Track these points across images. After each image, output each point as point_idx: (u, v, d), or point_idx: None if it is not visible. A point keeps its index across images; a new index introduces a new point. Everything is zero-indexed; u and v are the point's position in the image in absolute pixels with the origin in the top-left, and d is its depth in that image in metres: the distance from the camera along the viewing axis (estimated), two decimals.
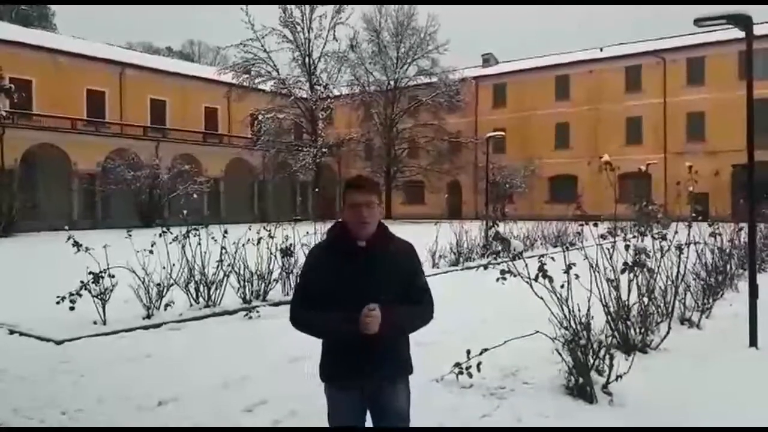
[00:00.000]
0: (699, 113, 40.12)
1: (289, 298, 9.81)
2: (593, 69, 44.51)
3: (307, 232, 10.19)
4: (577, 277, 4.75)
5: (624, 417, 4.29)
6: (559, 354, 4.81)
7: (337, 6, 42.18)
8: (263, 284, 9.27)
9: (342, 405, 2.68)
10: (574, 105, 44.90)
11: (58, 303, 6.94)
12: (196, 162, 38.61)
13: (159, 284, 8.03)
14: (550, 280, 4.62)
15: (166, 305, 8.02)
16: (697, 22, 6.37)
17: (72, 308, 6.94)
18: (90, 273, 7.33)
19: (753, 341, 6.19)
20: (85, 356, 6.10)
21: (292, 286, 9.86)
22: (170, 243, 8.20)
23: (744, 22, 6.23)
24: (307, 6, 42.30)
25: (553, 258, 4.87)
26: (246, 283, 9.05)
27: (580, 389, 4.65)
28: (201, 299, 8.57)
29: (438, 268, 13.50)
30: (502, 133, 30.56)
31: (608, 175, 5.87)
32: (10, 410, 4.54)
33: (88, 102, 38.92)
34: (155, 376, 5.44)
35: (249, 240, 9.14)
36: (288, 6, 41.69)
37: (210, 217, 19.61)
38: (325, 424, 2.77)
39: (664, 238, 6.44)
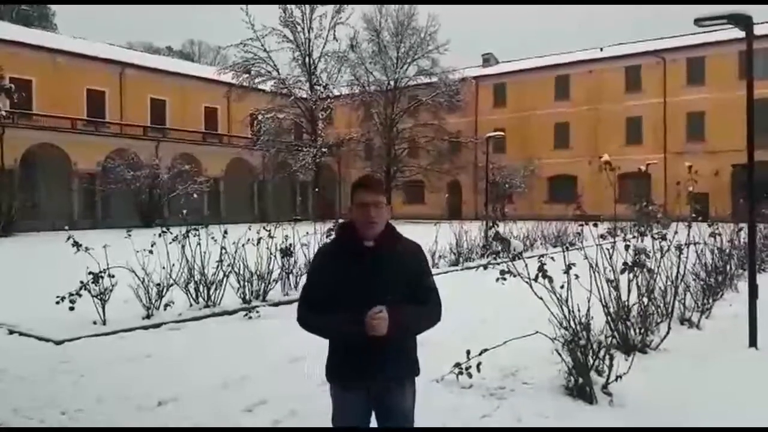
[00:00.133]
0: (699, 113, 40.12)
1: (289, 298, 9.90)
2: (593, 69, 44.51)
3: (307, 232, 10.19)
4: (576, 277, 4.75)
5: (624, 417, 4.29)
6: (559, 354, 4.81)
7: (338, 6, 42.16)
8: (263, 284, 9.27)
9: (347, 405, 2.67)
10: (574, 105, 44.90)
11: (57, 303, 6.94)
12: (196, 162, 38.63)
13: (159, 284, 8.03)
14: (550, 280, 4.62)
15: (166, 305, 8.02)
16: (697, 21, 6.37)
17: (72, 308, 6.94)
18: (90, 273, 7.33)
19: (753, 341, 6.19)
20: (84, 356, 6.10)
21: (292, 286, 9.87)
22: (170, 243, 8.20)
23: (744, 22, 6.23)
24: (308, 6, 42.29)
25: (552, 258, 4.87)
26: (246, 283, 9.05)
27: (580, 389, 4.65)
28: (201, 299, 8.57)
29: (438, 268, 13.50)
30: (502, 133, 30.59)
31: (608, 175, 5.87)
32: (9, 410, 4.54)
33: (88, 102, 38.91)
34: (155, 376, 5.44)
35: (249, 240, 9.15)
36: (288, 6, 41.68)
37: (210, 217, 19.65)
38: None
39: (663, 238, 6.44)
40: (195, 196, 30.83)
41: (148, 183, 34.69)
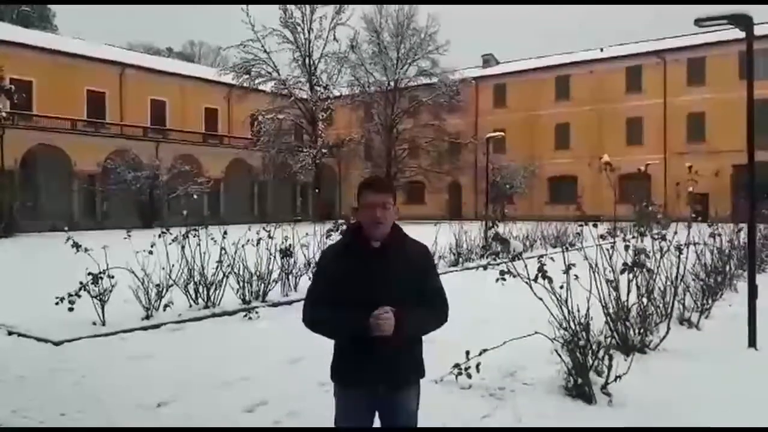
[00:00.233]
0: (699, 113, 40.14)
1: (288, 298, 9.90)
2: (594, 69, 44.54)
3: (307, 233, 10.20)
4: (576, 277, 4.75)
5: (623, 417, 4.29)
6: (559, 354, 4.81)
7: (338, 7, 42.23)
8: (263, 285, 9.26)
9: (352, 406, 2.66)
10: (575, 105, 44.91)
11: (57, 304, 6.94)
12: (196, 162, 38.67)
13: (158, 285, 8.02)
14: (550, 280, 4.61)
15: (166, 306, 8.01)
16: (698, 22, 6.37)
17: (71, 309, 6.93)
18: (89, 274, 7.32)
19: (752, 342, 6.19)
20: (84, 357, 6.10)
21: (292, 286, 9.88)
22: (170, 244, 8.20)
23: (744, 22, 6.23)
24: (308, 7, 42.35)
25: (552, 258, 4.87)
26: (245, 284, 9.05)
27: (579, 390, 4.65)
28: (200, 300, 8.56)
29: (437, 268, 13.48)
30: (502, 133, 30.61)
31: (608, 175, 5.87)
32: (9, 411, 4.54)
33: (89, 102, 38.99)
34: (155, 376, 5.44)
35: (248, 241, 9.15)
36: (288, 7, 41.74)
37: (210, 217, 19.66)
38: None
39: (663, 238, 6.44)
40: (195, 196, 30.77)
41: (148, 184, 34.74)
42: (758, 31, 7.26)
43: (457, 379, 4.95)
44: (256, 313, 8.32)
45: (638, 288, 6.01)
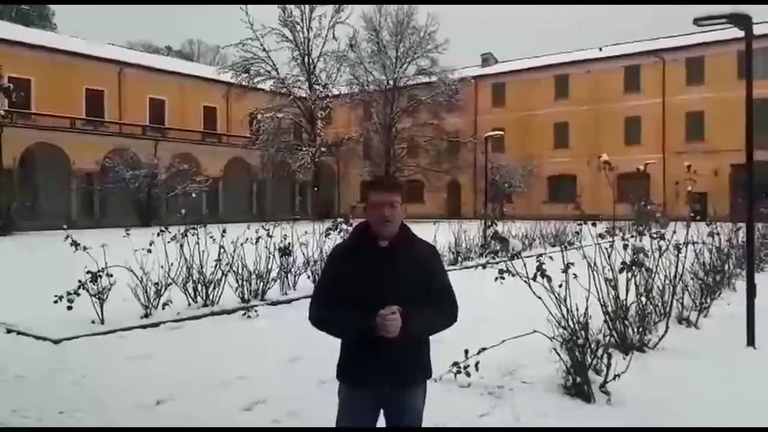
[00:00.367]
0: (698, 113, 40.15)
1: (287, 297, 9.90)
2: (592, 69, 44.54)
3: (306, 232, 10.19)
4: (575, 276, 4.75)
5: (622, 416, 4.30)
6: (557, 353, 4.81)
7: (337, 5, 42.18)
8: (261, 283, 9.26)
9: (356, 405, 2.65)
10: (574, 105, 44.91)
11: (55, 302, 6.93)
12: (194, 161, 38.62)
13: (157, 283, 8.02)
14: (549, 279, 4.61)
15: (164, 304, 8.00)
16: (697, 21, 6.37)
17: (70, 307, 6.93)
18: (88, 272, 7.32)
19: (750, 341, 6.19)
20: (83, 355, 6.10)
21: (291, 285, 9.88)
22: (168, 242, 8.19)
23: (743, 22, 6.23)
24: (307, 5, 42.31)
25: (551, 257, 4.87)
26: (244, 283, 9.04)
27: (578, 388, 4.65)
28: (199, 298, 8.56)
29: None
30: (501, 132, 30.58)
31: (607, 174, 5.88)
32: (8, 410, 4.54)
33: (87, 101, 38.93)
34: (154, 375, 5.44)
35: (247, 239, 9.14)
36: (287, 5, 41.70)
37: (208, 216, 19.65)
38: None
39: (662, 237, 6.45)
40: (194, 195, 30.78)
41: (146, 182, 34.69)
42: (757, 30, 7.27)
43: (456, 377, 4.95)
44: (255, 311, 8.31)
45: (637, 287, 6.02)
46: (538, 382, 4.98)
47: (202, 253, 8.63)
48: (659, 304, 6.70)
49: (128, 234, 7.91)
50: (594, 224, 5.60)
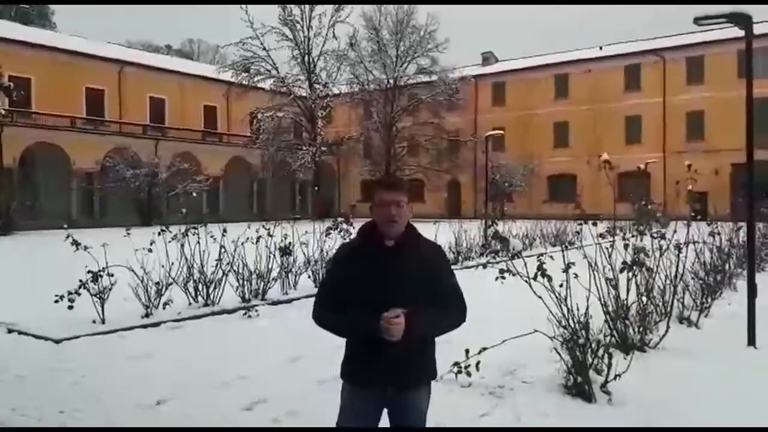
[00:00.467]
0: (698, 112, 40.13)
1: (288, 297, 9.89)
2: (592, 68, 44.50)
3: (306, 231, 10.19)
4: (576, 276, 4.75)
5: (622, 416, 4.29)
6: (558, 353, 4.81)
7: (337, 5, 42.15)
8: (262, 283, 9.26)
9: (359, 405, 2.64)
10: (574, 104, 44.88)
11: (56, 302, 6.93)
12: (195, 160, 38.63)
13: (158, 283, 8.02)
14: (549, 279, 4.61)
15: (165, 304, 8.01)
16: (697, 21, 6.37)
17: (70, 307, 6.94)
18: (89, 272, 7.32)
19: (751, 340, 6.19)
20: (83, 355, 6.10)
21: (292, 285, 9.88)
22: (169, 242, 8.20)
23: (744, 21, 6.22)
24: (307, 4, 42.29)
25: (552, 257, 4.87)
26: (245, 282, 9.04)
27: (579, 388, 4.65)
28: (200, 298, 8.56)
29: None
30: (502, 131, 30.58)
31: (607, 174, 5.88)
32: (8, 409, 4.54)
33: (88, 100, 38.91)
34: (154, 375, 5.44)
35: (248, 239, 9.14)
36: (287, 4, 41.67)
37: (209, 215, 19.65)
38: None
39: (662, 237, 6.45)
40: (194, 194, 30.81)
41: (147, 182, 34.70)
42: (757, 29, 7.27)
43: (456, 377, 4.95)
44: (256, 311, 8.31)
45: (638, 286, 6.01)
46: (539, 382, 4.98)
47: (203, 253, 8.63)
48: (660, 303, 6.70)
49: (129, 233, 7.91)
50: (594, 224, 5.60)
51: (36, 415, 4.43)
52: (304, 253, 10.25)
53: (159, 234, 7.99)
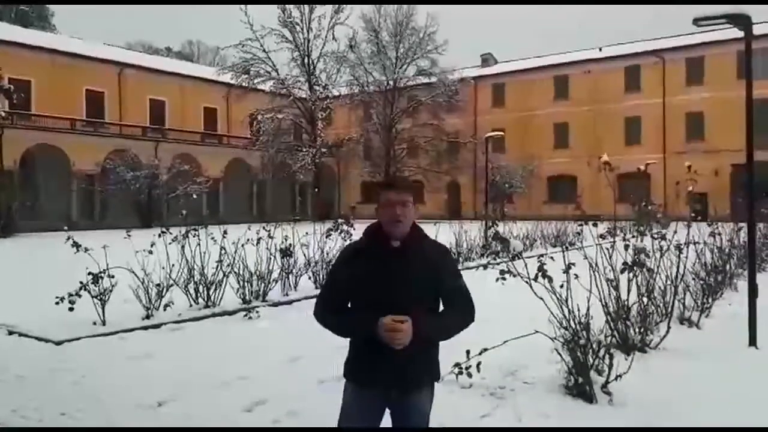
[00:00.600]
0: (698, 113, 40.15)
1: (289, 298, 9.88)
2: (592, 69, 44.55)
3: (306, 233, 10.20)
4: (576, 277, 4.75)
5: (623, 416, 4.29)
6: (559, 354, 4.81)
7: (336, 6, 42.23)
8: (263, 284, 9.26)
9: (361, 405, 2.63)
10: (574, 105, 44.92)
11: (57, 304, 6.93)
12: (195, 162, 38.64)
13: (158, 284, 8.02)
14: (550, 280, 4.61)
15: (166, 305, 8.01)
16: (697, 21, 6.37)
17: (71, 309, 6.93)
18: (89, 273, 7.32)
19: (752, 341, 6.19)
20: (84, 356, 6.10)
21: (292, 286, 9.88)
22: (169, 243, 8.20)
23: (743, 22, 6.23)
24: (306, 6, 42.35)
25: (552, 258, 4.87)
26: (245, 284, 9.04)
27: (580, 389, 4.65)
28: (200, 299, 8.56)
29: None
30: (501, 133, 30.60)
31: (607, 174, 5.88)
32: (9, 410, 4.54)
33: (87, 102, 38.96)
34: (155, 376, 5.43)
35: (248, 240, 9.14)
36: (287, 6, 41.75)
37: (209, 217, 19.63)
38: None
39: (663, 237, 6.45)
40: (194, 196, 30.81)
41: (147, 183, 34.71)
42: (757, 30, 7.28)
43: (457, 378, 4.95)
44: (256, 312, 8.31)
45: (638, 287, 6.01)
46: (540, 383, 4.98)
47: (203, 254, 8.63)
48: (661, 304, 6.70)
49: (129, 235, 7.91)
50: (595, 224, 5.60)
51: (36, 416, 4.43)
52: (304, 255, 10.25)
53: (159, 236, 7.99)
